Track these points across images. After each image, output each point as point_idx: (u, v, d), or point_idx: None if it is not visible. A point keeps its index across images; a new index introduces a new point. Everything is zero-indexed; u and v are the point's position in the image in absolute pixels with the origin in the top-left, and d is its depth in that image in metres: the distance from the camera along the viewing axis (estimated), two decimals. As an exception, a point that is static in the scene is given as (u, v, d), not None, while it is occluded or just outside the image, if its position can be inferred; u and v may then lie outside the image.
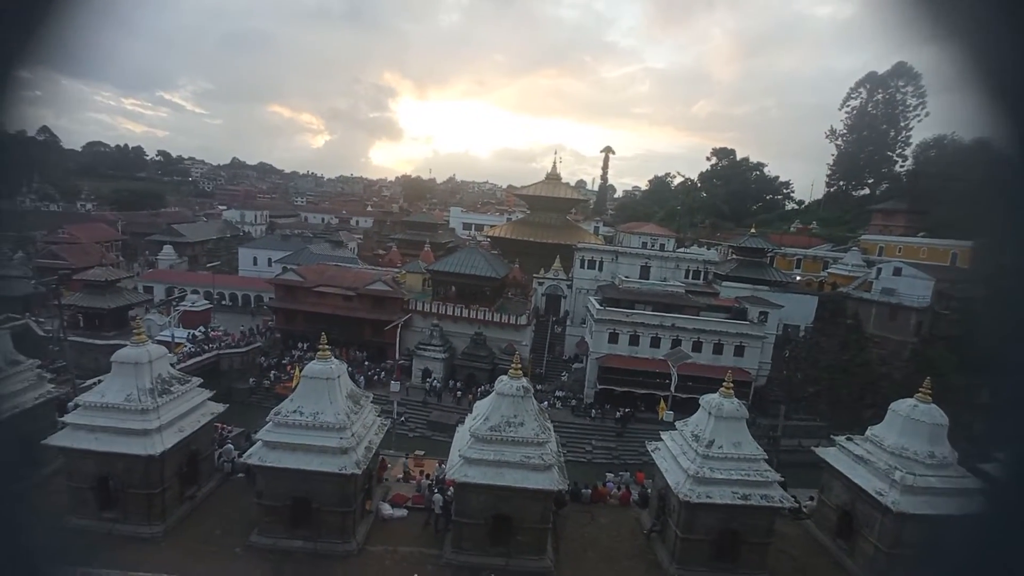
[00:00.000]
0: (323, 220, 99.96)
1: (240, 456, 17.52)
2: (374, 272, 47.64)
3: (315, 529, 14.51)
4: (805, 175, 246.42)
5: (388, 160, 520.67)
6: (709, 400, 15.90)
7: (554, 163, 66.83)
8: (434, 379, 39.19)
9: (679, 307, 39.99)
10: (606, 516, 17.58)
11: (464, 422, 16.63)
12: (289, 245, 63.62)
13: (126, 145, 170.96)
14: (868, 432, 16.34)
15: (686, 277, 48.85)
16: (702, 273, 49.94)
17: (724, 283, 47.58)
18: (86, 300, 38.28)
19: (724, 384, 15.90)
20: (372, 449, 15.51)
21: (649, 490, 17.96)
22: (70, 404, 17.43)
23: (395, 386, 36.00)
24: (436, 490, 17.14)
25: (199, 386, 16.79)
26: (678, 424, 16.94)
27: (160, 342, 23.98)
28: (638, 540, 16.35)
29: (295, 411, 14.72)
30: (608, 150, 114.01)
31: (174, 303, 46.03)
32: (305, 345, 41.61)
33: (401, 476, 20.37)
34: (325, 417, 14.60)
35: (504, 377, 15.59)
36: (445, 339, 40.63)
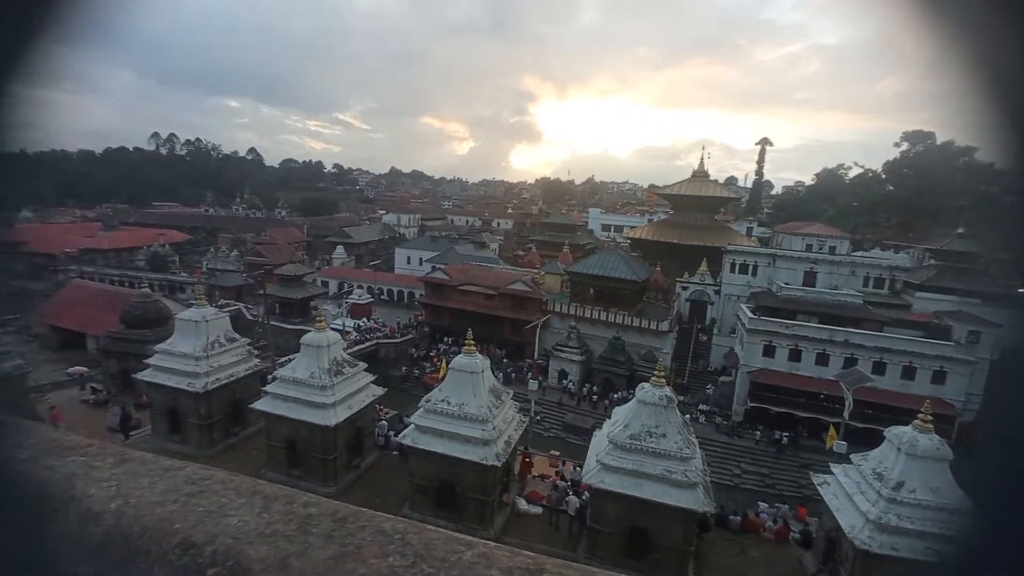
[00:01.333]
0: (467, 222, 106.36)
1: (395, 436, 19.37)
2: (514, 272, 49.28)
3: (457, 512, 15.41)
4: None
5: (527, 163, 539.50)
6: (898, 433, 13.34)
7: (701, 159, 61.72)
8: (570, 381, 39.21)
9: (855, 320, 34.49)
10: (759, 550, 15.76)
11: (602, 427, 16.27)
12: (437, 246, 68.80)
13: (310, 160, 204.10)
14: None
15: (864, 286, 41.90)
16: (887, 281, 42.39)
17: (919, 294, 39.85)
18: (281, 291, 45.93)
19: (920, 416, 13.21)
20: (511, 444, 15.96)
21: (814, 529, 15.69)
22: (269, 376, 20.93)
23: (533, 385, 36.69)
24: (571, 492, 17.03)
25: (364, 370, 18.97)
26: (854, 457, 14.54)
27: (333, 330, 27.62)
28: (799, 583, 14.37)
29: (443, 400, 15.77)
30: (765, 142, 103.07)
31: (344, 296, 52.93)
32: (450, 339, 44.66)
33: (544, 473, 20.36)
34: (469, 408, 15.40)
35: (646, 384, 14.87)
36: (582, 341, 40.38)
